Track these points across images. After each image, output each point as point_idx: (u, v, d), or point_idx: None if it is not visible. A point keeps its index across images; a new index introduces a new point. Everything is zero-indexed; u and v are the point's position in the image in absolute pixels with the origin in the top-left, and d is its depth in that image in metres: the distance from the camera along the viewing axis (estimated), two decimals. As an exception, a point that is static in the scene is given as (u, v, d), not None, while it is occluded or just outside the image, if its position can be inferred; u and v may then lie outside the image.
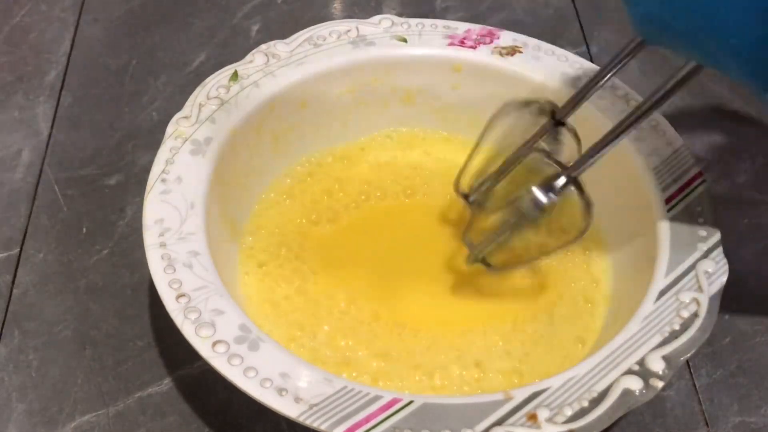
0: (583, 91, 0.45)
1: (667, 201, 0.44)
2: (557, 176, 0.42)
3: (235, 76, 0.50)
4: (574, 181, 0.42)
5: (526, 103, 0.47)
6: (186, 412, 0.45)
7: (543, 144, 0.45)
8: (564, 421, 0.36)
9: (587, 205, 0.42)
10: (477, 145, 0.48)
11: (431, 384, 0.44)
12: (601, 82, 0.45)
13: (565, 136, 0.46)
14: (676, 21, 0.37)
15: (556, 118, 0.46)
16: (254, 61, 0.51)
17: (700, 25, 0.36)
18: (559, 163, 0.44)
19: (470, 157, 0.49)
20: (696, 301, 0.41)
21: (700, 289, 0.41)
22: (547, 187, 0.42)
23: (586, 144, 0.44)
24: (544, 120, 0.46)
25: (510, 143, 0.47)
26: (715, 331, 0.41)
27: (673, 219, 0.44)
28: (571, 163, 0.43)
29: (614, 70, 0.44)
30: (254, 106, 0.49)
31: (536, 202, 0.42)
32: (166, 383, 0.46)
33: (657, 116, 0.49)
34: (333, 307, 0.47)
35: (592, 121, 0.49)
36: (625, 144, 0.48)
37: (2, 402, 0.45)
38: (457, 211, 0.51)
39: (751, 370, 0.47)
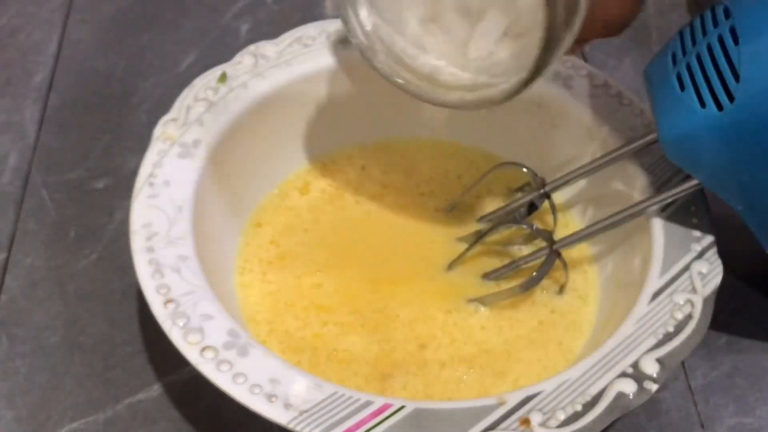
0: (576, 172, 0.48)
1: (661, 201, 0.43)
2: (542, 249, 0.46)
3: (223, 77, 0.49)
4: (557, 253, 0.46)
5: (522, 168, 0.50)
6: (176, 418, 0.44)
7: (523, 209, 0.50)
8: (557, 425, 0.36)
9: (565, 265, 0.46)
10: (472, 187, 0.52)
11: (424, 383, 0.43)
12: (596, 169, 0.47)
13: (544, 205, 0.50)
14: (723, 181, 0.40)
15: (544, 190, 0.49)
16: (243, 62, 0.50)
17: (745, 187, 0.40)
18: (543, 237, 0.47)
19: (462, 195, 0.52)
20: (690, 302, 0.40)
21: (694, 290, 0.41)
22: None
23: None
24: (533, 188, 0.49)
25: (498, 195, 0.52)
26: (710, 332, 0.41)
27: (666, 219, 0.44)
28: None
29: (612, 158, 0.47)
30: (243, 108, 0.49)
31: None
32: (156, 389, 0.46)
33: (650, 115, 0.48)
34: (330, 307, 0.46)
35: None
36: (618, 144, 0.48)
37: (-10, 409, 0.45)
38: (451, 213, 0.51)
39: (746, 371, 0.47)
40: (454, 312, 0.46)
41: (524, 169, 0.50)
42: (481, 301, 0.46)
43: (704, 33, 0.40)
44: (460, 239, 0.50)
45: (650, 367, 0.38)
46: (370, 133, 0.55)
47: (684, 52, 0.41)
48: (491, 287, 0.47)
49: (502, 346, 0.45)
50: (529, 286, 0.46)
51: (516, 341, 0.45)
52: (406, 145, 0.55)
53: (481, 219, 0.51)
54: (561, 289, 0.47)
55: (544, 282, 0.47)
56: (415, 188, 0.53)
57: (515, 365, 0.44)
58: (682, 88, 0.40)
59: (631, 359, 0.38)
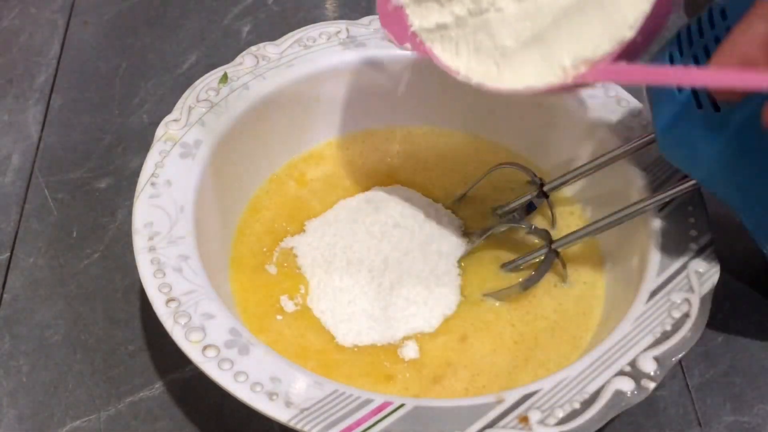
0: (575, 172, 0.48)
1: (659, 200, 0.44)
2: (540, 248, 0.47)
3: (224, 78, 0.50)
4: (556, 253, 0.46)
5: (522, 168, 0.51)
6: (178, 417, 0.45)
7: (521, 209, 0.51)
8: (555, 423, 0.36)
9: (564, 265, 0.47)
10: (468, 190, 0.52)
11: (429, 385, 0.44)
12: (595, 169, 0.48)
13: (543, 205, 0.51)
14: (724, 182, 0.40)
15: (543, 189, 0.50)
16: (244, 63, 0.51)
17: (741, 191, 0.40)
18: (542, 236, 0.48)
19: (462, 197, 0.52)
20: (687, 301, 0.41)
21: (691, 289, 0.41)
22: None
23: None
24: (532, 188, 0.50)
25: (497, 198, 0.52)
26: (707, 331, 0.41)
27: (664, 218, 0.44)
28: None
29: (610, 159, 0.47)
30: (244, 109, 0.49)
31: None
32: (158, 387, 0.46)
33: (648, 116, 0.49)
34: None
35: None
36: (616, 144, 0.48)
37: (-7, 408, 0.45)
38: (455, 206, 0.52)
39: (744, 369, 0.47)
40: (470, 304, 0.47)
41: (522, 170, 0.50)
42: (493, 296, 0.47)
43: (701, 34, 0.40)
44: (466, 233, 0.50)
45: (648, 366, 0.38)
46: (362, 132, 0.55)
47: (681, 53, 0.41)
48: (502, 281, 0.48)
49: (503, 345, 0.45)
50: (528, 284, 0.46)
51: (518, 340, 0.45)
52: (397, 143, 0.55)
53: (496, 210, 0.51)
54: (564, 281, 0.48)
55: (550, 281, 0.47)
56: (417, 176, 0.53)
57: (516, 363, 0.44)
58: (680, 89, 0.40)
59: (628, 357, 0.39)
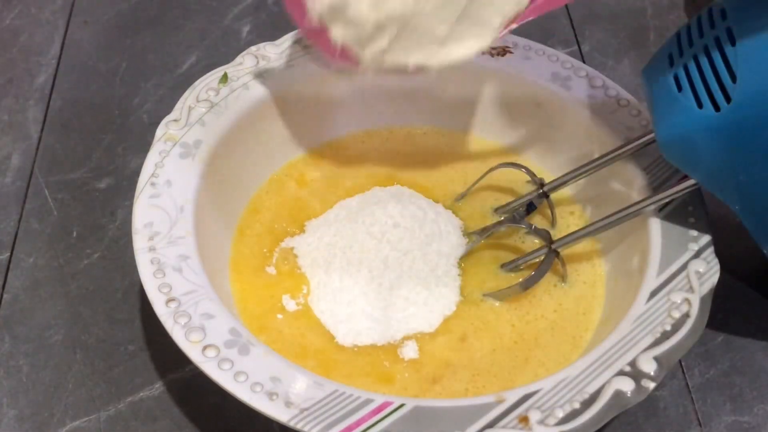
0: (575, 172, 0.49)
1: (659, 200, 0.44)
2: (540, 248, 0.47)
3: (224, 78, 0.50)
4: (556, 253, 0.46)
5: (522, 168, 0.51)
6: (178, 417, 0.45)
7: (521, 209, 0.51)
8: (555, 423, 0.36)
9: (563, 264, 0.47)
10: (468, 189, 0.52)
11: (429, 385, 0.43)
12: (595, 169, 0.48)
13: (543, 205, 0.51)
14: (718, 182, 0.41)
15: (543, 189, 0.50)
16: (244, 63, 0.51)
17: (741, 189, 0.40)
18: (542, 236, 0.47)
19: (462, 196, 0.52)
20: (687, 301, 0.41)
21: (691, 289, 0.41)
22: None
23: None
24: (532, 188, 0.50)
25: (497, 198, 0.52)
26: (707, 330, 0.41)
27: (664, 219, 0.44)
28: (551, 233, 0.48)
29: (610, 159, 0.47)
30: (244, 108, 0.49)
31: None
32: (158, 387, 0.46)
33: (648, 116, 0.49)
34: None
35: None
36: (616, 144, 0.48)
37: (-7, 408, 0.45)
38: (454, 206, 0.52)
39: (744, 369, 0.47)
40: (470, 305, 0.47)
41: (523, 170, 0.50)
42: (493, 296, 0.47)
43: (701, 34, 0.40)
44: (466, 233, 0.50)
45: (648, 366, 0.38)
46: (363, 132, 0.55)
47: (681, 53, 0.41)
48: (501, 281, 0.48)
49: (504, 345, 0.45)
50: (528, 284, 0.46)
51: (518, 340, 0.45)
52: (397, 143, 0.55)
53: (496, 210, 0.51)
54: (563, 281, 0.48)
55: (549, 281, 0.47)
56: (417, 176, 0.53)
57: (516, 363, 0.44)
58: (680, 89, 0.40)
59: (628, 358, 0.39)
